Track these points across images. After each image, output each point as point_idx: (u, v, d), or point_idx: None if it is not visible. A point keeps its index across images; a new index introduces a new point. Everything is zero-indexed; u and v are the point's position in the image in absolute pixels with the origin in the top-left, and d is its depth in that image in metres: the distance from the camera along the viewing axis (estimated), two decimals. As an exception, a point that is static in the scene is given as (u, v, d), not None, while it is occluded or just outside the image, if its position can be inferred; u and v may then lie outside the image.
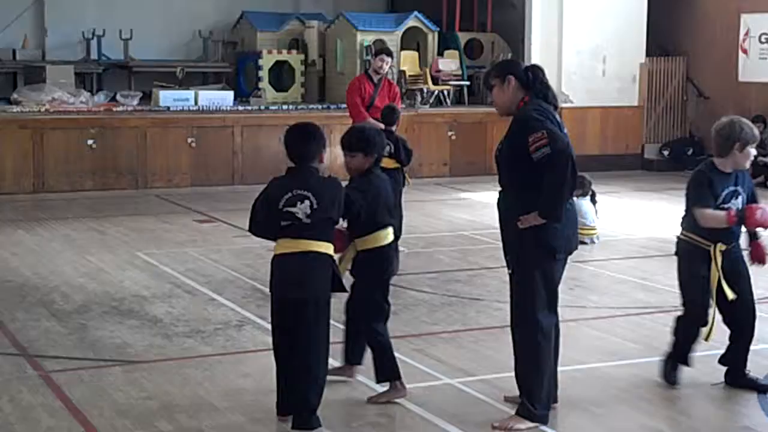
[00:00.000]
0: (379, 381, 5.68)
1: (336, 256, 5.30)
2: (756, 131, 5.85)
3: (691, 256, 5.85)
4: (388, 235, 5.63)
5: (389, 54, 10.78)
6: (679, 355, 6.01)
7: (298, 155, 5.18)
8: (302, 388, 5.11)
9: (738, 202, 5.78)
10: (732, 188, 5.78)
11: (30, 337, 6.88)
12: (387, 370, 5.64)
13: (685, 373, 6.09)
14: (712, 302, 5.82)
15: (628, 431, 5.35)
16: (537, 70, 5.33)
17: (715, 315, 5.83)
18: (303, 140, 5.20)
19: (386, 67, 10.59)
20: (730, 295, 5.75)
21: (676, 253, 6.00)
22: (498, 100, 5.33)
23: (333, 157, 13.47)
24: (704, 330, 5.87)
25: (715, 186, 5.73)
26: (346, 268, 5.60)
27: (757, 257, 5.90)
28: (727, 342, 6.00)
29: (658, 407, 5.69)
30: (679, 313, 6.05)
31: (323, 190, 5.10)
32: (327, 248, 5.12)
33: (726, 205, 5.74)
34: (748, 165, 5.87)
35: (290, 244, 5.12)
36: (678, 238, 5.99)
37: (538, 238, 5.13)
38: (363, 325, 5.68)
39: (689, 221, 5.86)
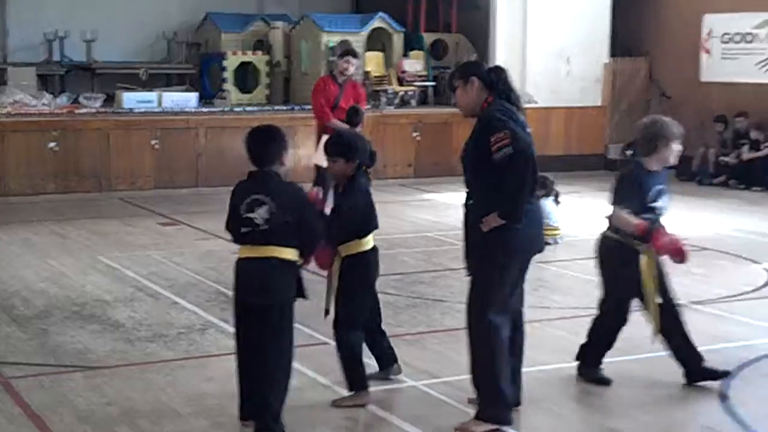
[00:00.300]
0: (350, 390, 5.65)
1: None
2: (680, 128, 5.96)
3: (619, 256, 5.89)
4: (370, 240, 5.64)
5: (355, 55, 10.79)
6: (596, 356, 6.08)
7: (258, 158, 5.13)
8: (265, 393, 5.08)
9: (665, 200, 5.92)
10: (659, 186, 5.90)
11: (-11, 343, 6.80)
12: (358, 381, 5.62)
13: (646, 373, 6.12)
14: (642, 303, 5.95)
15: (588, 430, 5.38)
16: (500, 71, 5.36)
17: (657, 312, 5.88)
18: (262, 143, 5.14)
19: (352, 69, 10.60)
20: (658, 299, 5.90)
21: (600, 253, 6.05)
22: (461, 102, 5.34)
23: (297, 159, 13.52)
24: (652, 326, 5.95)
25: (645, 186, 5.83)
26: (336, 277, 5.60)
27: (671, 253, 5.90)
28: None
29: (620, 408, 5.72)
30: (597, 313, 6.13)
31: (282, 195, 5.04)
32: (289, 254, 5.05)
33: (654, 204, 5.85)
34: (674, 161, 5.97)
35: (250, 250, 5.09)
36: (603, 236, 6.03)
37: (499, 239, 5.12)
38: (338, 333, 5.61)
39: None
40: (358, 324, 5.63)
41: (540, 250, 5.37)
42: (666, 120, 5.97)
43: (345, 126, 10.37)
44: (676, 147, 5.89)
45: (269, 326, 5.05)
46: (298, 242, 5.06)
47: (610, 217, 5.96)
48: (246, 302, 5.13)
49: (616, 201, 5.87)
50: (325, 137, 10.76)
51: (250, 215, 5.03)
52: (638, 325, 7.31)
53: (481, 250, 5.19)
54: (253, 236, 5.04)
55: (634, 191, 5.82)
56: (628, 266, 5.86)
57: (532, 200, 5.21)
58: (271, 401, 5.06)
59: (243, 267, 5.14)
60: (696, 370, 6.02)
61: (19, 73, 15.27)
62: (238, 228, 5.09)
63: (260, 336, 5.06)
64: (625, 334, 7.08)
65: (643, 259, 5.82)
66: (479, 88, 5.24)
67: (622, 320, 6.07)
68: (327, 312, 5.66)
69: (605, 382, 6.03)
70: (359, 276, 5.59)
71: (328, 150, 5.67)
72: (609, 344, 6.12)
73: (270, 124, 5.36)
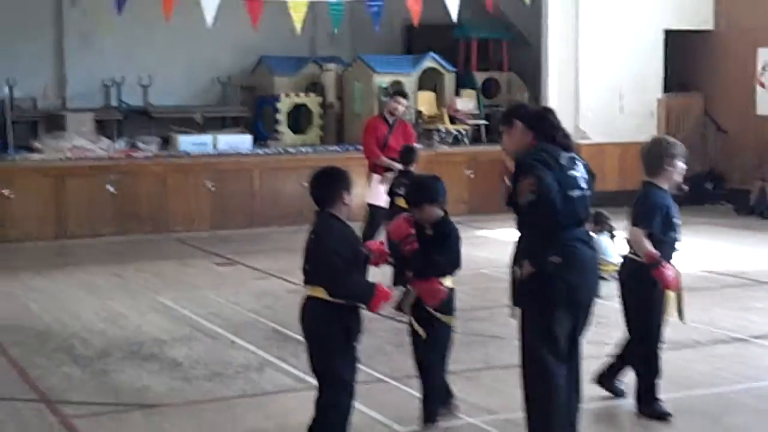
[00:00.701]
0: (428, 422, 5.74)
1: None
2: (683, 146, 6.05)
3: (646, 277, 5.84)
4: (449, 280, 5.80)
5: (404, 96, 10.99)
6: (652, 385, 6.02)
7: (316, 199, 5.21)
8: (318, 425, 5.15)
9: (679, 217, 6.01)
10: (674, 203, 6.01)
11: (50, 383, 6.88)
12: (436, 414, 5.77)
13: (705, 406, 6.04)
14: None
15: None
16: (545, 112, 5.33)
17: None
18: (319, 184, 5.22)
19: (401, 109, 10.78)
20: (683, 315, 6.02)
21: (625, 275, 6.05)
22: (506, 145, 5.36)
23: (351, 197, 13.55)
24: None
25: (665, 203, 5.92)
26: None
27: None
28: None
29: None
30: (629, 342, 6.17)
31: (324, 236, 5.08)
32: (320, 293, 5.07)
33: (676, 220, 5.93)
34: (680, 179, 6.07)
35: (306, 288, 5.23)
36: (628, 258, 6.03)
37: (537, 286, 5.01)
38: (439, 362, 5.76)
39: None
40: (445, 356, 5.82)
41: (591, 300, 5.13)
42: (669, 138, 6.14)
43: (396, 164, 10.48)
44: (681, 165, 6.02)
45: (313, 363, 5.20)
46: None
47: (628, 239, 5.98)
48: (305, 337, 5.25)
49: (635, 222, 5.91)
50: (375, 177, 10.91)
51: (306, 252, 5.16)
52: (692, 362, 7.22)
53: (524, 296, 5.13)
54: (305, 274, 5.19)
55: (655, 216, 5.86)
56: (654, 287, 5.83)
57: (576, 247, 5.02)
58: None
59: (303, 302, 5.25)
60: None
61: (78, 119, 15.54)
62: (303, 266, 5.20)
63: (313, 370, 5.20)
64: (679, 369, 7.00)
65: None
66: (522, 131, 5.22)
67: (660, 342, 6.01)
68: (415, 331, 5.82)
69: (665, 416, 5.94)
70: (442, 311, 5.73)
71: (412, 200, 5.76)
72: (656, 373, 6.02)
73: (332, 165, 5.41)
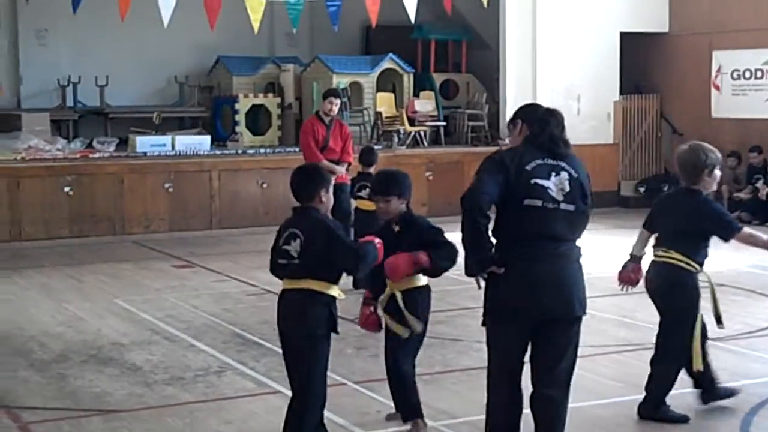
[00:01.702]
0: (406, 421, 5.70)
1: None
2: (718, 153, 6.05)
3: (689, 281, 5.89)
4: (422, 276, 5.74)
5: (337, 95, 11.08)
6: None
7: (297, 195, 5.28)
8: (293, 422, 5.12)
9: None
10: None
11: (7, 388, 6.81)
12: (416, 410, 5.73)
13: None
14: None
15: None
16: (546, 113, 4.95)
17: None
18: (300, 181, 5.28)
19: (335, 109, 10.87)
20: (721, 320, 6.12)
21: (665, 279, 6.01)
22: (511, 144, 5.10)
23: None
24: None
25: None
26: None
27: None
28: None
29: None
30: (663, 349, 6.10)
31: (310, 228, 5.12)
32: (322, 286, 5.10)
33: None
34: (715, 187, 6.10)
35: (288, 282, 5.19)
36: (672, 264, 5.99)
37: (485, 298, 4.85)
38: (394, 362, 5.69)
39: (687, 245, 5.95)
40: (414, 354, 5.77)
41: (542, 315, 4.71)
42: (705, 146, 6.06)
43: (337, 167, 10.49)
44: (718, 174, 6.02)
45: (302, 356, 5.12)
46: (337, 270, 5.14)
47: (679, 242, 5.97)
48: (283, 332, 5.22)
49: (730, 227, 5.97)
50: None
51: (287, 247, 5.14)
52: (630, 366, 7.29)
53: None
54: (290, 269, 5.14)
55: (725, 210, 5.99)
56: (695, 290, 5.92)
57: (520, 261, 4.68)
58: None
59: (281, 298, 5.25)
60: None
61: (33, 119, 15.38)
62: (277, 260, 5.20)
63: (296, 366, 5.16)
64: (638, 371, 7.07)
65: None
66: (523, 131, 4.97)
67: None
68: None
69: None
70: (415, 309, 5.67)
71: (381, 189, 5.74)
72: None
73: (311, 163, 5.57)
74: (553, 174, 4.69)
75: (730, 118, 16.21)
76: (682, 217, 5.98)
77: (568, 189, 4.69)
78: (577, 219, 4.73)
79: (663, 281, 6.02)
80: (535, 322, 4.71)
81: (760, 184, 15.05)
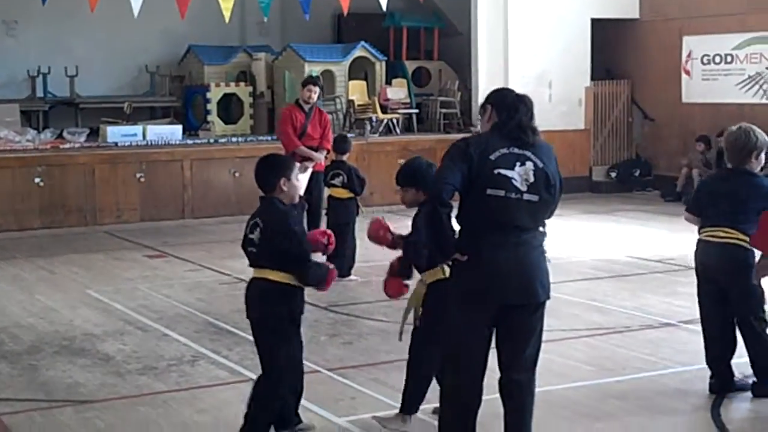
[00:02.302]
0: (402, 411, 5.62)
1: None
2: (766, 137, 6.04)
3: (752, 259, 5.81)
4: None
5: (315, 83, 11.18)
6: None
7: (258, 185, 5.35)
8: (252, 399, 5.25)
9: None
10: None
11: (-21, 380, 6.77)
12: (415, 404, 5.65)
13: (638, 392, 6.14)
14: None
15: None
16: (514, 100, 4.86)
17: None
18: (261, 171, 5.35)
19: (314, 96, 10.97)
20: None
21: (734, 261, 5.98)
22: (481, 130, 5.02)
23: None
24: None
25: None
26: (418, 305, 5.52)
27: None
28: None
29: (612, 427, 5.71)
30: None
31: (269, 220, 5.18)
32: (277, 276, 5.14)
33: None
34: (759, 169, 6.11)
35: (254, 270, 5.26)
36: (738, 244, 5.97)
37: (450, 285, 4.88)
38: (419, 350, 5.58)
39: (746, 225, 5.90)
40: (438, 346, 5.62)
41: (505, 302, 4.70)
42: (756, 129, 6.07)
43: (315, 154, 10.56)
44: (763, 157, 6.05)
45: (260, 343, 5.26)
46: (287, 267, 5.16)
47: (741, 221, 5.93)
48: (248, 318, 5.34)
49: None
50: (296, 165, 10.95)
51: (251, 236, 5.22)
52: (623, 347, 7.36)
53: None
54: (252, 257, 5.24)
55: None
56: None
57: (484, 248, 4.66)
58: (254, 420, 5.23)
59: (247, 285, 5.34)
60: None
61: (3, 110, 15.24)
62: (245, 248, 5.29)
63: (258, 351, 5.28)
64: (610, 354, 7.12)
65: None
66: (492, 117, 4.86)
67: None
68: (400, 337, 5.67)
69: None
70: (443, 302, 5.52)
71: (398, 179, 5.73)
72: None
73: (273, 153, 5.61)
74: (518, 164, 4.66)
75: (701, 102, 16.31)
76: (741, 198, 5.97)
77: (532, 179, 4.67)
78: (540, 209, 4.72)
79: (727, 261, 6.02)
80: (498, 309, 4.71)
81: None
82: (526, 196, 4.64)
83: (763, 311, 6.07)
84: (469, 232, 4.69)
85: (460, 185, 4.62)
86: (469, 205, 4.66)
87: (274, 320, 5.20)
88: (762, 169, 6.19)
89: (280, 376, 5.23)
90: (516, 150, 4.69)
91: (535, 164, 4.69)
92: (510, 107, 4.80)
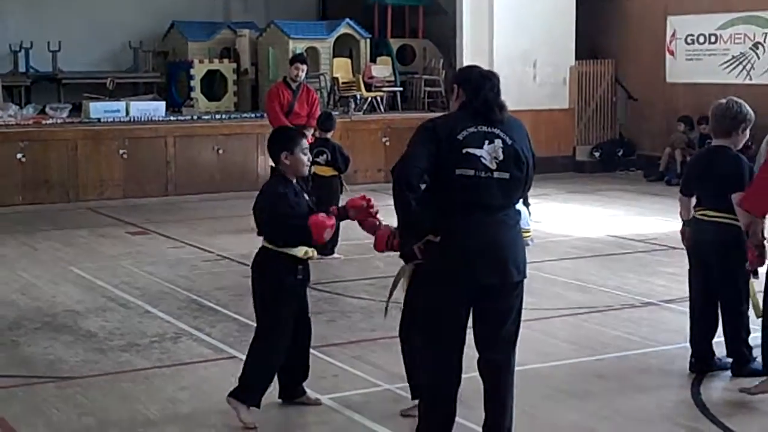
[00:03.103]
0: (414, 398, 5.43)
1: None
2: (752, 112, 6.05)
3: (741, 236, 5.76)
4: None
5: (303, 61, 11.37)
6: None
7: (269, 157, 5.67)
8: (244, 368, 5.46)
9: None
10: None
11: (-39, 356, 6.75)
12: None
13: (618, 372, 6.19)
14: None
15: (562, 430, 5.41)
16: (480, 77, 4.75)
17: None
18: (267, 142, 5.63)
19: (302, 74, 11.19)
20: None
21: (720, 241, 5.97)
22: (452, 110, 4.95)
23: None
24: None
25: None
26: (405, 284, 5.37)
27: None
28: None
29: (592, 405, 5.75)
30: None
31: (261, 191, 5.52)
32: (275, 246, 5.39)
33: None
34: (741, 146, 6.10)
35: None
36: (722, 222, 5.96)
37: (424, 266, 4.83)
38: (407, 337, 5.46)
39: (730, 203, 5.85)
40: None
41: (480, 283, 4.62)
42: (743, 103, 6.06)
43: (301, 131, 10.59)
44: (748, 133, 6.06)
45: (256, 309, 5.51)
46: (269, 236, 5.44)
47: (724, 201, 5.91)
48: None
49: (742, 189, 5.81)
50: (302, 139, 10.99)
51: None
52: (604, 326, 7.40)
53: None
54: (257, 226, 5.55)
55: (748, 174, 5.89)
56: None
57: (455, 227, 4.58)
58: (245, 377, 5.43)
59: None
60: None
61: (-16, 85, 15.17)
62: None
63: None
64: (591, 333, 7.17)
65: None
66: (460, 96, 4.79)
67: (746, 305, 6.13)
68: (386, 313, 5.46)
69: None
70: None
71: None
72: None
73: (283, 126, 5.94)
74: (487, 142, 4.57)
75: (685, 82, 16.35)
76: (722, 176, 5.94)
77: (501, 157, 4.57)
78: (512, 186, 4.63)
79: (720, 238, 6.01)
80: (473, 289, 4.64)
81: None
82: (496, 174, 4.56)
83: (747, 301, 6.05)
84: (440, 212, 4.61)
85: (428, 167, 4.56)
86: (440, 186, 4.60)
87: (260, 285, 5.45)
88: (744, 146, 6.20)
89: (265, 338, 5.41)
90: (484, 128, 4.60)
91: (504, 141, 4.60)
92: (475, 85, 4.70)
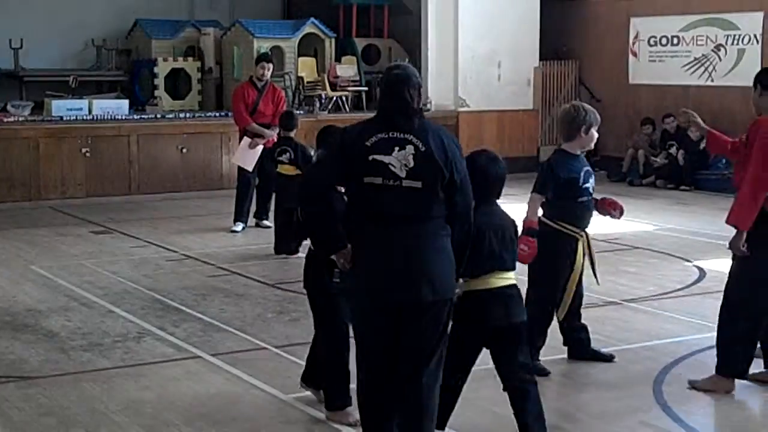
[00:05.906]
0: None
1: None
2: (597, 115, 6.29)
3: (557, 243, 6.12)
4: None
5: (269, 60, 11.49)
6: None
7: None
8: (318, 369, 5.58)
9: (592, 182, 6.27)
10: (586, 168, 6.25)
11: None
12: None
13: (581, 370, 6.21)
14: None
15: (529, 429, 5.43)
16: (390, 82, 4.44)
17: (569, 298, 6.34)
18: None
19: (267, 73, 11.23)
20: (596, 280, 6.47)
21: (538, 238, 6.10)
22: None
23: (231, 165, 13.42)
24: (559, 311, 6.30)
25: (563, 170, 6.13)
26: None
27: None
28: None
29: (553, 402, 5.78)
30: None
31: None
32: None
33: (586, 185, 6.19)
34: (592, 146, 6.39)
35: None
36: (544, 223, 6.18)
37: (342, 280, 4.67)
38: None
39: (557, 209, 6.17)
40: None
41: (388, 301, 4.34)
42: (586, 106, 6.31)
43: (266, 131, 10.77)
44: (595, 133, 6.27)
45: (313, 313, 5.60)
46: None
47: (551, 207, 6.18)
48: None
49: (534, 188, 6.16)
50: (246, 140, 11.02)
51: None
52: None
53: None
54: None
55: (546, 180, 6.14)
56: (566, 252, 6.21)
57: (364, 242, 4.37)
58: (324, 382, 5.52)
59: None
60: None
61: (-55, 82, 15.01)
62: None
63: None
64: (554, 332, 7.19)
65: (580, 245, 6.18)
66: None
67: (555, 303, 6.35)
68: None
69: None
70: None
71: None
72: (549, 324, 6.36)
73: (330, 125, 5.87)
74: (397, 148, 4.26)
75: (647, 84, 16.47)
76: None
77: (412, 164, 4.25)
78: (426, 196, 4.28)
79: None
80: (386, 308, 4.36)
81: (674, 149, 15.30)
82: (405, 183, 4.25)
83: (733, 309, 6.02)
84: (353, 225, 4.37)
85: (336, 178, 4.39)
86: (351, 196, 4.40)
87: (318, 291, 5.46)
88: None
89: (321, 337, 5.51)
90: (396, 134, 4.30)
91: (416, 148, 4.27)
92: (388, 89, 4.40)
